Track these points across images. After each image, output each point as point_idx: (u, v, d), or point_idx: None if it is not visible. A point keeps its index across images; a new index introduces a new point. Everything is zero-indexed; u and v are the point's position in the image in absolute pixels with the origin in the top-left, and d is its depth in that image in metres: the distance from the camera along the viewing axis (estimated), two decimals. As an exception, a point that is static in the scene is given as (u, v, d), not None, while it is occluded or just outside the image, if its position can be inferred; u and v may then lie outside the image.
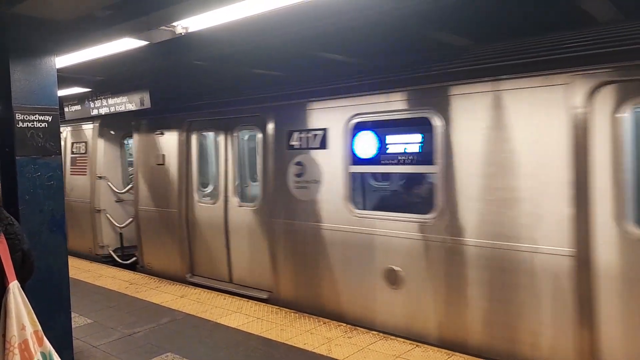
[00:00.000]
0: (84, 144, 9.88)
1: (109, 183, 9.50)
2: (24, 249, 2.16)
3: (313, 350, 4.94)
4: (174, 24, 4.32)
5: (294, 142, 6.16)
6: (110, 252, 9.46)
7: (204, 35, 4.54)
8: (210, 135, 7.89)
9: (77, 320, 5.82)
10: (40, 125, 4.30)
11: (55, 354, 2.18)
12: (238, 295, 6.79)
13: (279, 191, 6.37)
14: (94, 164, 9.58)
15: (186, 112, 7.70)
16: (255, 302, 6.53)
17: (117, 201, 9.59)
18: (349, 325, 5.58)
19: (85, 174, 9.79)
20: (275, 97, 6.46)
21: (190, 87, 7.94)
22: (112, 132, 9.61)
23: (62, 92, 8.30)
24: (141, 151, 8.38)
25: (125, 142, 10.08)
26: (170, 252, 7.96)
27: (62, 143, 9.74)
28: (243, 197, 7.36)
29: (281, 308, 6.25)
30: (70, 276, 4.64)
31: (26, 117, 4.22)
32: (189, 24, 4.28)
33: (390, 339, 5.16)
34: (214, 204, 7.43)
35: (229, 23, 4.06)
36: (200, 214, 7.59)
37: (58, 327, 4.36)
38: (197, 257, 7.71)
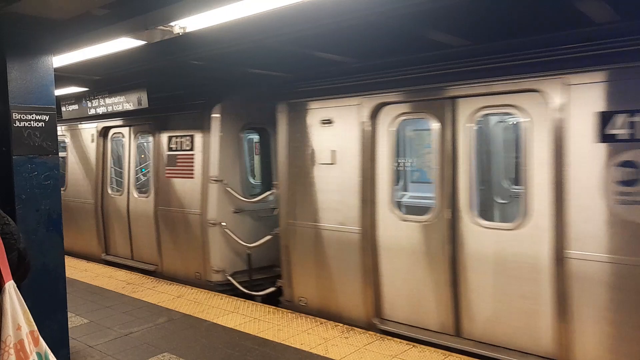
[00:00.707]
0: (188, 137, 7.64)
1: (229, 189, 7.25)
2: (20, 248, 2.15)
3: (310, 351, 4.94)
4: (172, 23, 4.32)
5: (618, 130, 4.01)
6: (229, 278, 7.17)
7: (202, 35, 4.53)
8: (416, 123, 5.80)
9: (74, 320, 5.81)
10: (37, 124, 4.29)
11: (51, 354, 2.17)
12: None
13: (582, 207, 4.18)
14: (207, 163, 7.36)
15: (371, 91, 5.52)
16: (253, 302, 6.50)
17: (235, 212, 7.33)
18: (345, 325, 5.58)
19: (190, 177, 7.56)
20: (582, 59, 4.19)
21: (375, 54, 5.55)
22: (220, 122, 7.32)
23: (58, 92, 8.28)
24: (292, 146, 6.28)
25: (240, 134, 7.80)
26: (343, 285, 5.85)
27: (151, 137, 8.43)
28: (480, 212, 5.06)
29: (278, 308, 6.23)
30: (66, 276, 4.63)
31: (23, 117, 4.22)
32: (187, 23, 4.27)
33: (387, 339, 5.17)
34: (430, 222, 5.19)
35: (229, 23, 4.06)
36: (399, 235, 5.42)
37: (54, 327, 4.36)
38: (389, 296, 5.54)
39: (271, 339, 5.25)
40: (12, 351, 1.89)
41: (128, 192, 8.86)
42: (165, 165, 7.98)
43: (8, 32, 4.16)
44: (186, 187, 7.67)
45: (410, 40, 4.86)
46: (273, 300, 6.68)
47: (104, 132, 9.38)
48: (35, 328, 2.09)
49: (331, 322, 5.71)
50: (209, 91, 7.48)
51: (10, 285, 1.98)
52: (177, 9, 3.80)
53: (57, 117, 4.54)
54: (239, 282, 7.10)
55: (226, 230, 7.19)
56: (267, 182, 7.90)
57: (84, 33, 4.50)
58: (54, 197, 4.43)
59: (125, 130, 9.01)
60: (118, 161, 9.55)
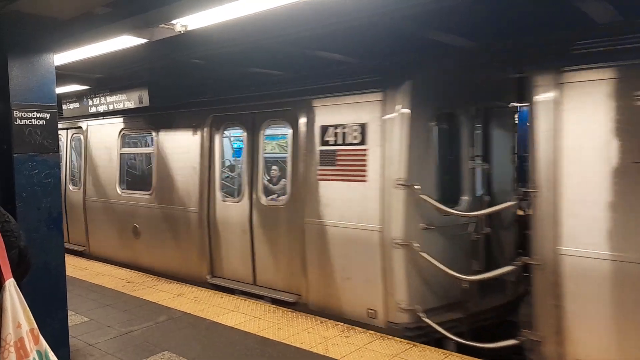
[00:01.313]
0: (357, 127, 5.68)
1: (426, 196, 5.37)
2: (20, 246, 2.16)
3: (310, 350, 4.94)
4: (173, 22, 4.32)
5: None
6: (427, 320, 5.29)
7: (203, 34, 4.53)
8: None
9: (74, 319, 5.81)
10: (38, 122, 4.30)
11: (51, 352, 2.17)
12: None
13: None
14: (388, 161, 5.46)
15: None
16: (253, 300, 6.50)
17: (426, 228, 5.47)
18: (346, 325, 5.58)
19: (360, 179, 5.67)
20: None
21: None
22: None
23: (59, 90, 8.27)
24: (572, 135, 4.30)
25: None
26: None
27: (287, 127, 6.65)
28: None
29: (278, 307, 6.23)
30: (67, 274, 4.64)
31: (24, 115, 4.22)
32: (188, 22, 4.27)
33: (387, 338, 5.16)
34: None
35: (229, 21, 4.06)
36: None
37: (55, 325, 4.36)
38: None
39: (271, 338, 5.25)
40: (12, 349, 1.90)
41: (251, 198, 6.98)
42: (317, 165, 6.07)
43: (9, 31, 4.16)
44: (353, 194, 5.75)
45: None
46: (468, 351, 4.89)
47: (212, 123, 7.43)
48: (35, 326, 2.09)
49: (332, 320, 5.69)
50: (393, 62, 5.62)
51: (10, 283, 1.99)
52: (178, 7, 3.79)
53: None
54: (442, 325, 5.23)
55: (422, 253, 5.29)
56: (449, 188, 6.03)
57: (85, 31, 4.50)
58: (55, 195, 4.43)
59: (245, 119, 7.14)
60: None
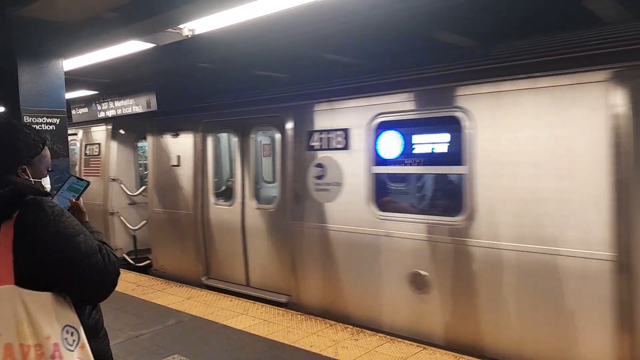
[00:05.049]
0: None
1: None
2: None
3: (320, 353, 4.92)
4: (181, 26, 4.34)
5: None
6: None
7: (211, 38, 4.55)
8: None
9: (84, 322, 5.83)
10: (48, 127, 4.34)
11: None
12: None
13: None
14: None
15: None
16: (262, 304, 6.51)
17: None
18: (355, 328, 5.56)
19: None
20: None
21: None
22: None
23: (68, 95, 8.33)
24: None
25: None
26: None
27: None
28: None
29: (288, 310, 6.23)
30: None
31: (34, 120, 4.26)
32: (196, 26, 4.29)
33: (397, 341, 5.14)
34: None
35: (236, 25, 4.07)
36: None
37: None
38: None
39: (281, 341, 5.24)
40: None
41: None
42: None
43: (19, 36, 4.20)
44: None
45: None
46: None
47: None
48: (43, 342, 1.69)
49: (341, 324, 5.68)
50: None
51: (8, 290, 1.69)
52: (185, 11, 3.81)
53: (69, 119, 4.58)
54: None
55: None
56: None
57: (94, 36, 4.54)
58: (65, 199, 4.46)
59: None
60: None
